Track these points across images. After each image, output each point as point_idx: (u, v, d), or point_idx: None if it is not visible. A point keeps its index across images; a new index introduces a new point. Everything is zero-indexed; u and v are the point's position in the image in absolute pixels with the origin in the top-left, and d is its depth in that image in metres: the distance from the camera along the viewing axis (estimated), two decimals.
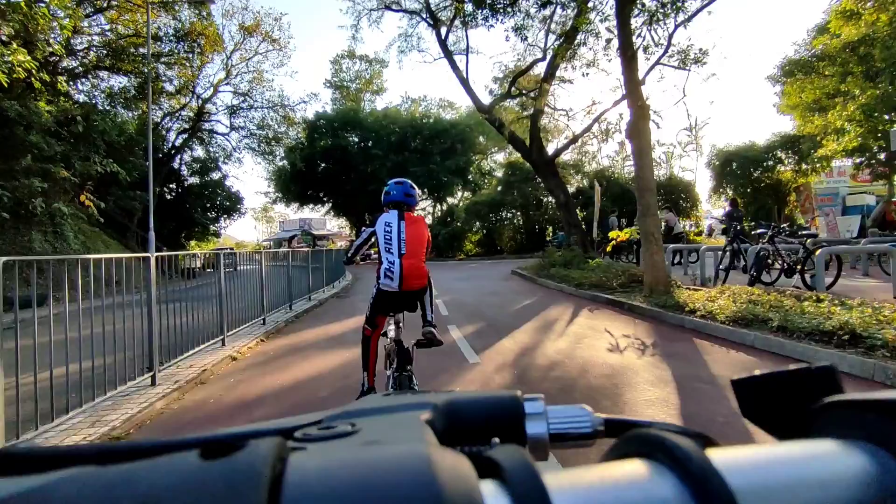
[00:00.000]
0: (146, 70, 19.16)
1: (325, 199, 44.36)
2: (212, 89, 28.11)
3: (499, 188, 33.50)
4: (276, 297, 9.45)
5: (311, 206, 46.49)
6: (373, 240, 3.40)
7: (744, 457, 0.25)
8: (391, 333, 3.34)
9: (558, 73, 17.57)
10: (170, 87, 28.85)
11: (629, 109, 9.12)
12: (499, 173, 41.51)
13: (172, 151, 29.35)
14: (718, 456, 0.24)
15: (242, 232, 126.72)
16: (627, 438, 0.27)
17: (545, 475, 0.22)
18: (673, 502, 0.22)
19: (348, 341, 6.56)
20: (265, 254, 8.64)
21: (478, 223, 32.70)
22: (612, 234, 11.19)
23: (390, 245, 3.21)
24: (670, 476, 0.23)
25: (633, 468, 0.24)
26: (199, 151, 33.99)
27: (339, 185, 40.01)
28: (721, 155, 25.85)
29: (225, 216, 37.91)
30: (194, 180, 34.79)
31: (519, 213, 31.16)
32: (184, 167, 34.12)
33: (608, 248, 10.93)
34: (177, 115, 28.78)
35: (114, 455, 0.27)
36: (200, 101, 28.32)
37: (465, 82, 18.04)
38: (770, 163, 24.86)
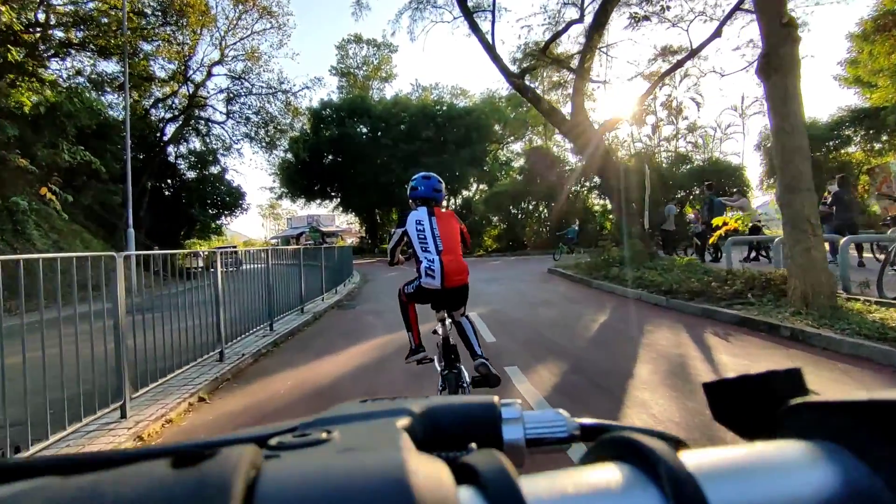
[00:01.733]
0: (122, 42, 16.40)
1: (332, 193, 41.65)
2: (205, 72, 25.29)
3: (520, 177, 30.44)
4: (245, 314, 6.56)
5: (318, 201, 43.81)
6: (405, 239, 3.20)
7: (715, 458, 0.25)
8: (438, 330, 3.20)
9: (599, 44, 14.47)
10: (161, 73, 26.24)
11: (761, 37, 6.09)
12: (517, 164, 38.47)
13: (165, 142, 26.57)
14: (690, 458, 0.24)
15: (251, 229, 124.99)
16: (602, 442, 0.27)
17: (521, 480, 0.22)
18: None
19: (347, 396, 3.60)
20: (220, 254, 5.74)
21: (497, 216, 29.68)
22: (716, 221, 8.12)
23: (426, 243, 3.04)
24: (644, 478, 0.23)
25: (608, 471, 0.24)
26: (197, 143, 31.29)
27: (346, 177, 37.22)
28: None
29: (226, 212, 35.16)
30: (192, 175, 32.16)
31: (543, 204, 28.08)
32: (181, 161, 31.54)
33: (712, 240, 7.99)
34: (169, 102, 26.02)
35: (80, 466, 0.26)
36: (193, 87, 25.51)
37: (490, 48, 14.94)
38: (835, 142, 21.61)
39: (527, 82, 15.73)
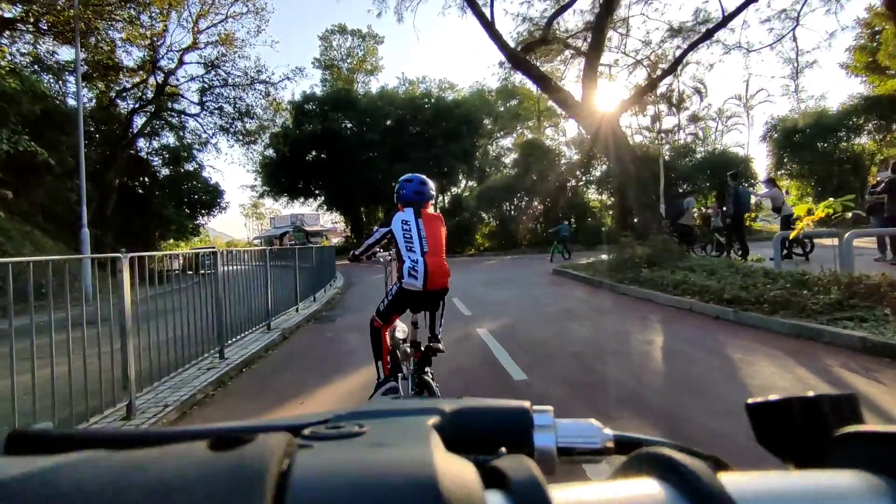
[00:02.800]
0: (72, 17, 14.37)
1: (315, 191, 39.64)
2: (176, 59, 23.15)
3: (513, 171, 28.75)
4: (183, 341, 4.72)
5: (301, 199, 41.74)
6: (386, 240, 3.14)
7: (756, 483, 0.24)
8: (400, 335, 3.20)
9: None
10: (130, 62, 24.04)
11: None
12: (507, 159, 36.83)
13: (134, 136, 24.36)
14: (730, 480, 0.23)
15: (234, 229, 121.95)
16: (638, 456, 0.26)
17: (552, 488, 0.21)
18: None
19: None
20: (128, 259, 3.90)
21: (490, 213, 27.96)
22: (799, 210, 6.44)
23: (411, 243, 2.97)
24: (679, 497, 0.22)
25: (642, 487, 0.23)
26: (171, 138, 29.07)
27: (330, 174, 35.25)
28: (788, 124, 21.15)
29: (204, 211, 32.91)
30: (167, 172, 29.94)
31: (537, 200, 26.43)
32: (155, 157, 29.30)
33: (794, 233, 6.36)
34: (137, 92, 23.85)
35: (126, 441, 0.28)
36: (163, 75, 23.37)
37: (488, 24, 13.16)
38: (846, 132, 20.27)
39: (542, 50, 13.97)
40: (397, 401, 0.35)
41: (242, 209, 69.39)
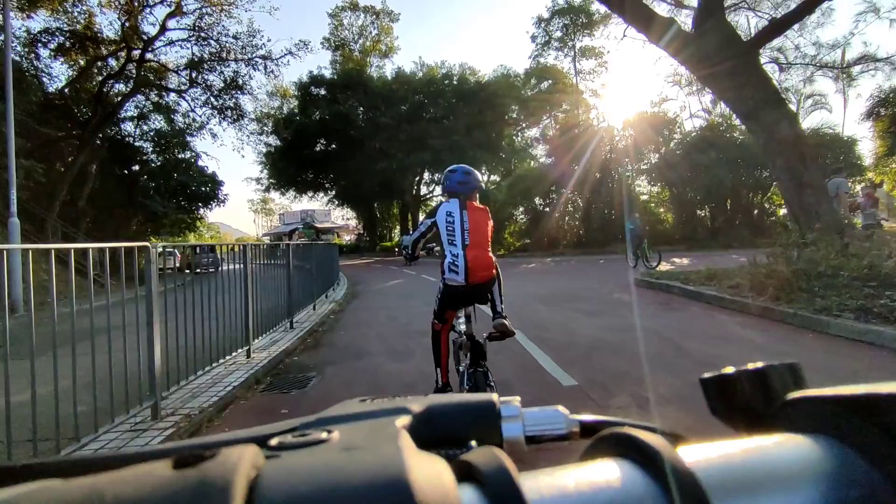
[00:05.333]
0: None
1: (325, 184, 36.19)
2: (158, 26, 19.73)
3: (549, 160, 24.93)
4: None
5: (310, 193, 38.32)
6: (433, 231, 2.97)
7: (713, 453, 0.25)
8: (461, 327, 3.01)
9: None
10: (110, 33, 20.83)
11: None
12: (537, 150, 32.95)
13: (110, 116, 20.98)
14: (689, 453, 0.24)
15: (245, 224, 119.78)
16: (601, 438, 0.27)
17: (521, 476, 0.22)
18: (646, 500, 0.22)
19: None
20: None
21: (521, 208, 24.14)
22: None
23: (453, 237, 2.83)
24: (642, 474, 0.23)
25: (607, 468, 0.24)
26: (160, 122, 25.76)
27: (341, 165, 31.73)
28: None
29: (200, 204, 29.52)
30: (158, 160, 26.68)
31: (576, 194, 22.56)
32: (145, 144, 26.05)
33: None
34: (113, 66, 20.51)
35: (80, 468, 0.27)
36: (142, 44, 19.95)
37: None
38: None
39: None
40: (364, 403, 0.34)
41: (251, 204, 66.33)
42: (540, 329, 5.73)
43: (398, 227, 37.94)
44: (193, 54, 20.72)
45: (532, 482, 0.23)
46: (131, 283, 3.64)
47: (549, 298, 8.39)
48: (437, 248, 3.12)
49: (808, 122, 21.55)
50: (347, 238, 51.81)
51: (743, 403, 0.32)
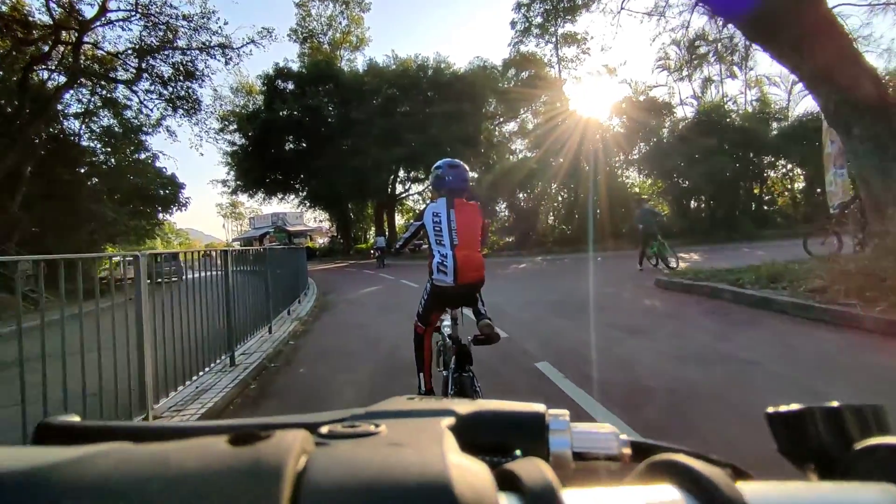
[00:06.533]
0: None
1: (295, 185, 33.98)
2: (97, 6, 17.44)
3: (534, 152, 23.41)
4: None
5: (279, 195, 35.98)
6: (422, 233, 2.87)
7: (775, 493, 0.23)
8: (446, 330, 2.86)
9: None
10: (44, 17, 18.40)
11: None
12: (516, 146, 31.46)
13: (44, 112, 18.54)
14: (748, 489, 0.22)
15: (215, 230, 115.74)
16: (654, 463, 0.26)
17: (565, 493, 0.21)
18: None
19: None
20: None
21: (504, 204, 22.55)
22: None
23: (441, 237, 2.73)
24: None
25: (657, 493, 0.23)
26: (111, 120, 23.37)
27: (311, 164, 29.65)
28: None
29: (160, 209, 27.08)
30: (108, 160, 24.24)
31: (565, 188, 21.12)
32: (96, 143, 23.58)
33: None
34: (45, 53, 18.13)
35: (148, 434, 0.29)
36: (78, 27, 17.63)
37: None
38: None
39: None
40: (412, 401, 0.34)
41: (220, 209, 63.26)
42: (576, 359, 4.10)
43: (373, 229, 35.99)
44: (141, 40, 18.44)
45: (576, 499, 0.21)
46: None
47: (564, 307, 6.79)
48: (425, 246, 2.95)
49: (800, 108, 20.63)
50: (321, 241, 49.57)
51: (814, 445, 0.30)
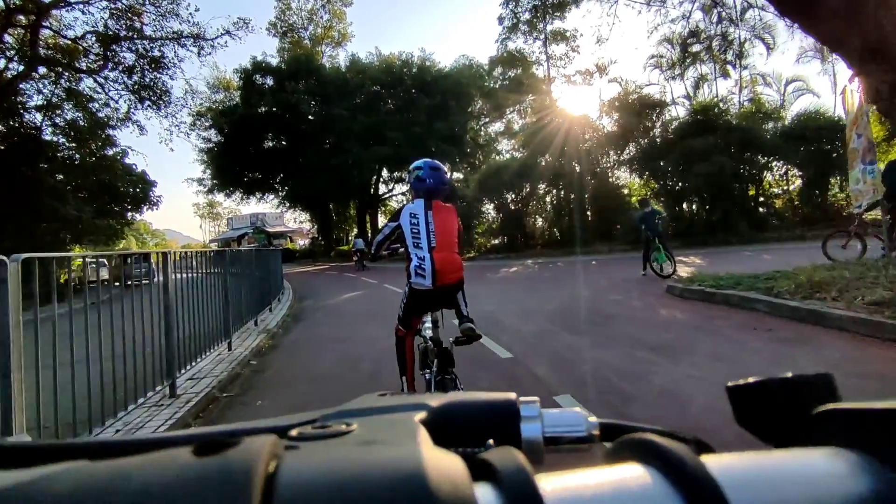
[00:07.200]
0: None
1: (275, 184, 32.74)
2: None
3: (522, 152, 22.65)
4: None
5: (258, 195, 34.63)
6: (398, 234, 2.81)
7: (738, 463, 0.24)
8: (427, 333, 2.81)
9: None
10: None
11: None
12: (502, 145, 30.75)
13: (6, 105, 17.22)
14: (713, 462, 0.23)
15: (192, 230, 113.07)
16: (622, 442, 0.26)
17: (539, 478, 0.22)
18: None
19: None
20: None
21: (493, 204, 21.68)
22: None
23: (419, 239, 2.69)
24: (664, 481, 0.22)
25: (627, 472, 0.23)
26: (74, 113, 21.95)
27: (291, 162, 28.56)
28: None
29: (129, 208, 25.59)
30: (74, 155, 22.78)
31: (555, 190, 20.33)
32: (61, 139, 22.13)
33: None
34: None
35: (107, 450, 0.27)
36: (35, 9, 16.30)
37: None
38: None
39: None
40: (384, 398, 0.34)
41: (197, 209, 61.37)
42: (608, 391, 3.25)
43: (355, 230, 34.87)
44: (105, 26, 17.18)
45: (549, 484, 0.22)
46: None
47: (570, 318, 5.94)
48: (402, 249, 2.81)
49: (794, 108, 20.27)
50: (302, 242, 48.22)
51: (772, 414, 0.31)
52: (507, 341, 4.93)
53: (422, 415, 0.30)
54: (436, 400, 0.33)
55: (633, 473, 0.23)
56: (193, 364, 4.46)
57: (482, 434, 0.31)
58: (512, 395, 0.34)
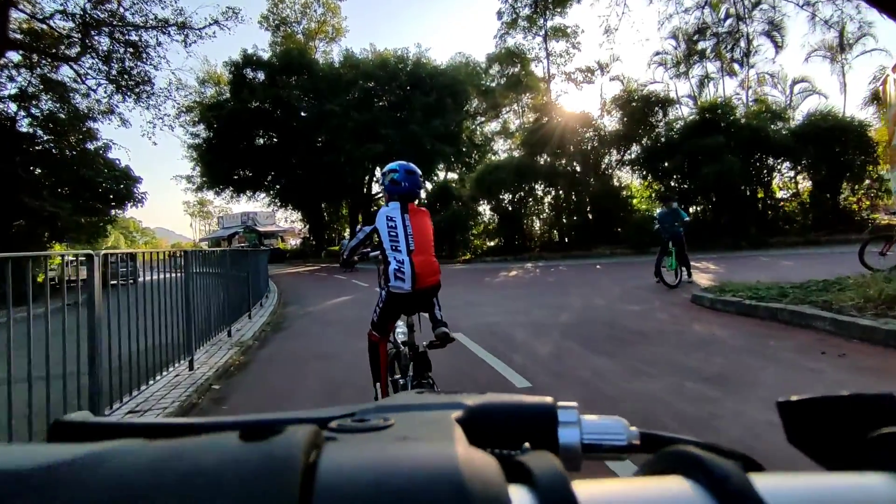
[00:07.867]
0: None
1: (266, 182, 31.71)
2: None
3: (520, 151, 21.87)
4: None
5: (249, 193, 33.55)
6: (371, 238, 2.83)
7: (787, 483, 0.23)
8: (401, 337, 2.87)
9: None
10: None
11: None
12: (499, 145, 29.98)
13: None
14: (760, 480, 0.22)
15: (183, 229, 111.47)
16: (664, 454, 0.25)
17: (576, 484, 0.21)
18: None
19: None
20: None
21: (490, 205, 20.88)
22: None
23: (397, 242, 2.68)
24: (707, 497, 0.21)
25: (668, 484, 0.22)
26: (50, 104, 20.87)
27: (283, 160, 27.60)
28: None
29: (113, 205, 24.48)
30: (53, 149, 21.70)
31: (554, 190, 19.53)
32: (40, 132, 21.06)
33: None
34: None
35: (161, 431, 0.29)
36: None
37: None
38: None
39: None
40: (422, 395, 0.34)
41: (187, 207, 60.12)
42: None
43: (348, 230, 33.95)
44: (84, 11, 16.18)
45: (585, 491, 0.21)
46: None
47: (592, 334, 5.12)
48: (379, 255, 2.79)
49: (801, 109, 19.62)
50: (293, 242, 47.17)
51: (827, 434, 0.29)
52: (521, 364, 4.11)
53: (458, 413, 0.30)
54: (473, 399, 0.32)
55: (674, 486, 0.22)
56: (137, 392, 3.60)
57: (518, 436, 0.31)
58: (549, 399, 0.33)
